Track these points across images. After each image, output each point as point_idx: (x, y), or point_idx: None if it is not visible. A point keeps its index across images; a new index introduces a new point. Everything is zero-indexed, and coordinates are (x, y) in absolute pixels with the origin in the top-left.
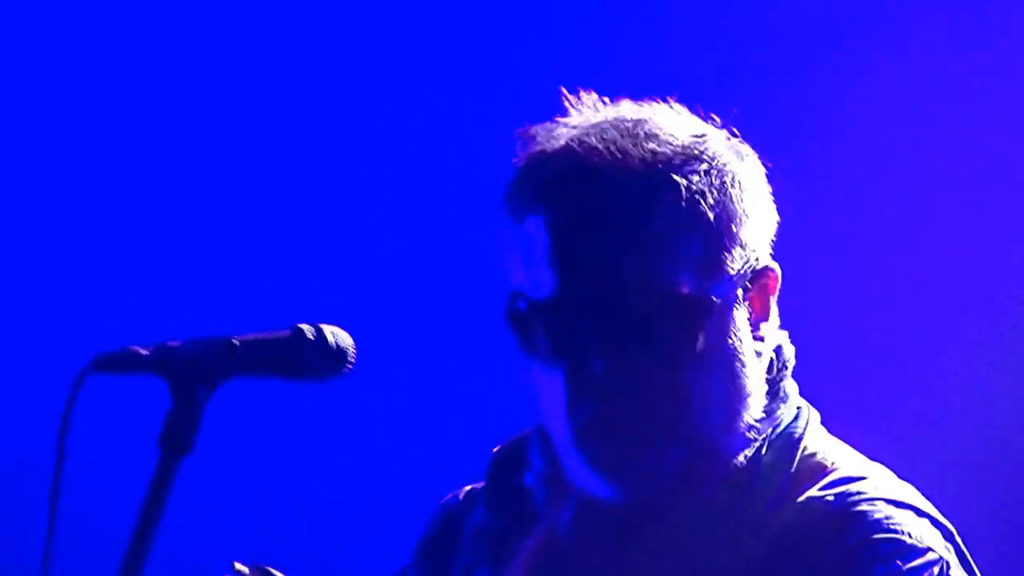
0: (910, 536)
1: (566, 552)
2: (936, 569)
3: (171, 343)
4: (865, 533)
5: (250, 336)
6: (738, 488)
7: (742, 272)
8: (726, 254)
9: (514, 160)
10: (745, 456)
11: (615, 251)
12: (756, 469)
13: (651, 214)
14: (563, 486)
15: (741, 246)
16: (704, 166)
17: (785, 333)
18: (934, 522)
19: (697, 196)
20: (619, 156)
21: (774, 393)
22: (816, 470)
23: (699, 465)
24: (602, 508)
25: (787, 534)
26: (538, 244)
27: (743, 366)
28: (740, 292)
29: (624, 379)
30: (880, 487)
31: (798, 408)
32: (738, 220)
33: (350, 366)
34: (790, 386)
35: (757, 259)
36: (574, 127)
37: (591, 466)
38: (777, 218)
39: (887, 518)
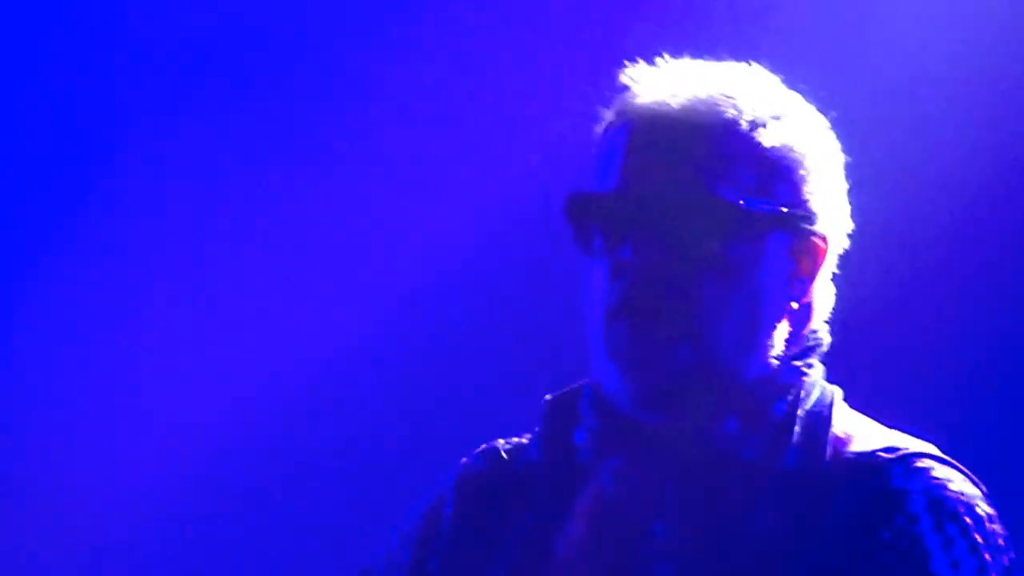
0: (958, 488)
1: (615, 503)
2: (992, 526)
3: None
4: (910, 482)
5: None
6: (768, 457)
7: (792, 221)
8: (779, 195)
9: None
10: (773, 421)
11: (679, 159)
12: (787, 442)
13: (722, 139)
14: (611, 439)
15: (797, 197)
16: (784, 115)
17: (826, 327)
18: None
19: (769, 135)
20: (710, 88)
21: (801, 357)
22: (847, 440)
23: (712, 376)
24: (645, 455)
25: (822, 490)
26: (614, 149)
27: (767, 303)
28: (787, 239)
29: (652, 269)
30: (917, 446)
31: (822, 388)
32: (801, 173)
33: None
34: (817, 363)
35: (811, 220)
36: (673, 68)
37: (610, 356)
38: (847, 206)
39: (931, 470)
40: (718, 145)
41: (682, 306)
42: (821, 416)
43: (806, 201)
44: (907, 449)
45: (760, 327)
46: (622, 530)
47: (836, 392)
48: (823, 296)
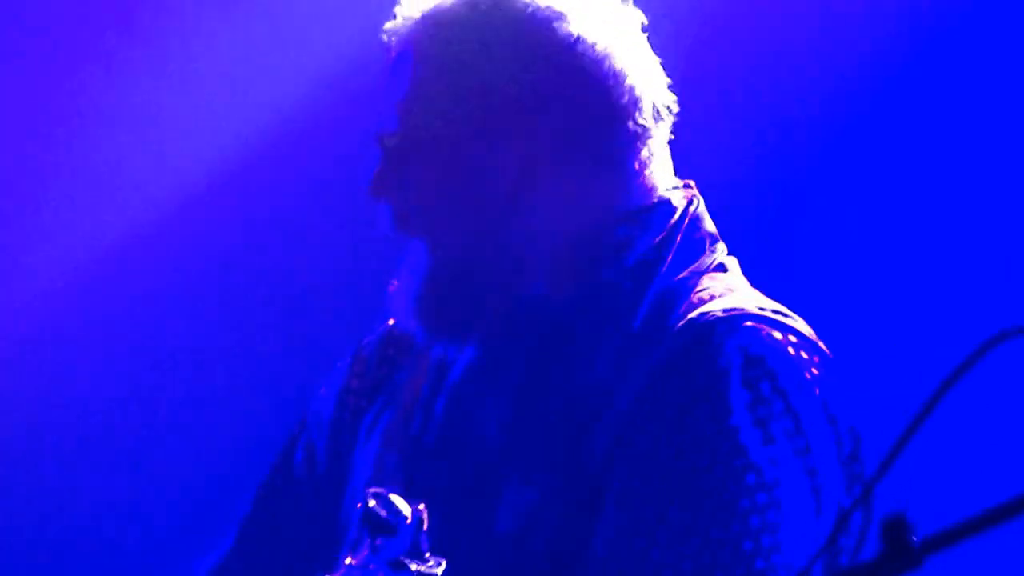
0: (787, 351)
1: (455, 385)
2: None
3: None
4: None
5: None
6: (611, 320)
7: (491, 111)
8: (467, 94)
9: None
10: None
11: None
12: (633, 306)
13: (416, 67)
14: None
15: (484, 90)
16: (466, 21)
17: (680, 190)
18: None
19: (438, 45)
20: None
21: (625, 223)
22: (704, 302)
23: (492, 294)
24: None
25: (653, 348)
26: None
27: (484, 198)
28: (489, 133)
29: (410, 218)
30: (764, 311)
31: (699, 255)
32: (491, 67)
33: None
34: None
35: (506, 99)
36: None
37: (414, 318)
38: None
39: (760, 331)
40: (420, 70)
41: (440, 249)
42: (683, 283)
43: (503, 86)
44: (745, 310)
45: (491, 224)
46: (461, 411)
47: (725, 261)
48: (653, 162)
